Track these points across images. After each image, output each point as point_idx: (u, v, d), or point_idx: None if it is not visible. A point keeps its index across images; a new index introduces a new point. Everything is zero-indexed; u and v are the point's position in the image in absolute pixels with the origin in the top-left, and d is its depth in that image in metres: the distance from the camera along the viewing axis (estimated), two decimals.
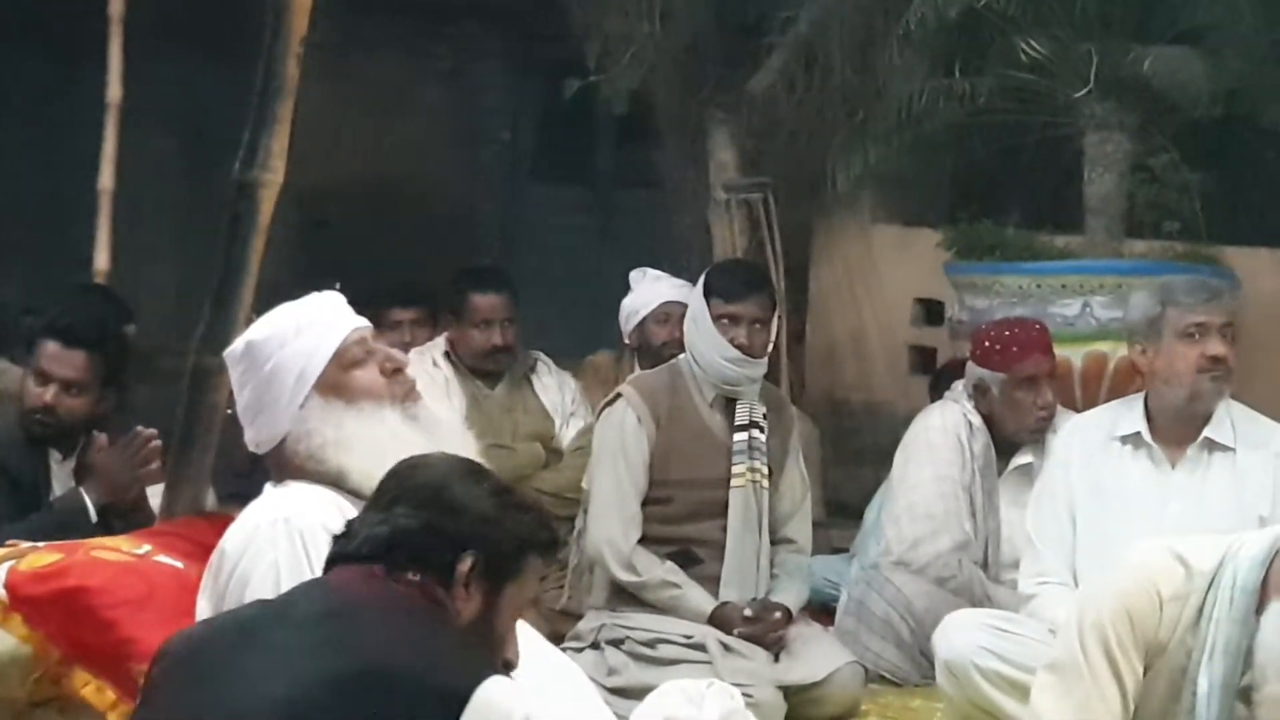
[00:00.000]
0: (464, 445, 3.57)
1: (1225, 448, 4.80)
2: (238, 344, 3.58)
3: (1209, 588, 3.12)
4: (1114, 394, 5.65)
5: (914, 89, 6.49)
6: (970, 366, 5.68)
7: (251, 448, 3.52)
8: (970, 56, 6.56)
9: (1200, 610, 3.16)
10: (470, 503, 2.85)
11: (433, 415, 3.59)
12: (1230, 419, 4.83)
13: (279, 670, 2.65)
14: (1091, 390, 5.99)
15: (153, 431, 4.72)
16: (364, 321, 3.61)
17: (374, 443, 3.38)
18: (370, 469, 3.18)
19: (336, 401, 3.46)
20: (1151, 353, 4.81)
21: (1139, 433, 4.85)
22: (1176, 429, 4.83)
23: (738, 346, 5.23)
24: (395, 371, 3.57)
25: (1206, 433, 4.80)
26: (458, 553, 2.79)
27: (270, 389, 3.49)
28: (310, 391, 3.48)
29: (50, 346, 4.93)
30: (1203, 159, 6.63)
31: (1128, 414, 4.91)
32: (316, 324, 3.53)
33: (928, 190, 7.26)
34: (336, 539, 2.87)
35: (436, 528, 2.80)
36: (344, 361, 3.52)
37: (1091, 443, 4.92)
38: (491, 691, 2.64)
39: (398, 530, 2.80)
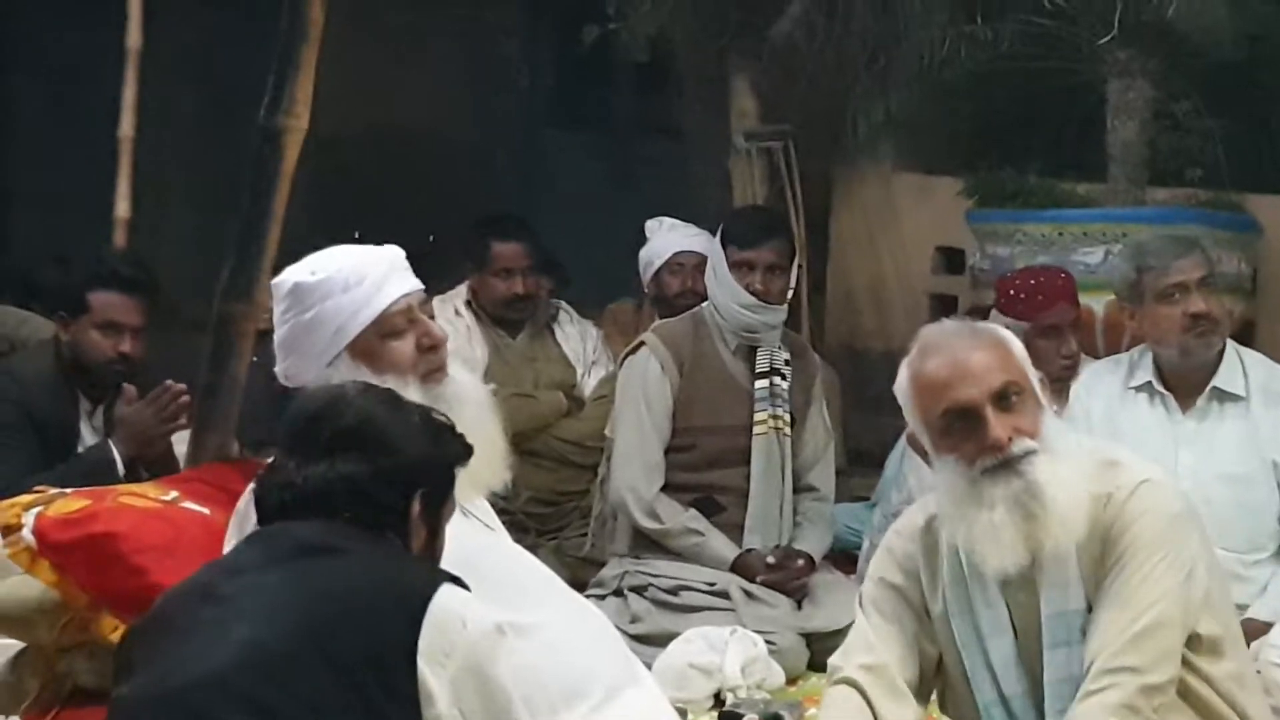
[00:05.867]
0: (488, 424, 3.54)
1: (1237, 396, 4.84)
2: (286, 279, 3.54)
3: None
4: (1136, 342, 5.64)
5: (935, 36, 6.45)
6: (994, 315, 5.65)
7: (281, 379, 3.51)
8: (992, 2, 6.52)
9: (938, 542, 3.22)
10: (407, 441, 2.89)
11: (459, 391, 3.55)
12: (1242, 367, 4.89)
13: (239, 616, 2.69)
14: (1114, 339, 5.96)
15: (181, 386, 4.73)
16: (416, 285, 3.57)
17: None
18: None
19: (365, 368, 3.43)
20: (1137, 315, 4.89)
21: (1150, 382, 4.91)
22: (1183, 381, 4.89)
23: (753, 293, 5.23)
24: (431, 349, 3.54)
25: (1215, 383, 4.85)
26: (407, 495, 2.86)
27: (306, 338, 3.48)
28: (342, 352, 3.47)
29: (113, 297, 4.95)
30: (1226, 105, 6.57)
31: (1139, 365, 4.98)
32: (366, 282, 3.49)
33: (949, 138, 7.20)
34: (273, 486, 2.87)
35: (382, 473, 2.84)
36: (383, 329, 3.49)
37: (1110, 391, 4.99)
38: (452, 593, 2.73)
39: (343, 479, 2.82)
